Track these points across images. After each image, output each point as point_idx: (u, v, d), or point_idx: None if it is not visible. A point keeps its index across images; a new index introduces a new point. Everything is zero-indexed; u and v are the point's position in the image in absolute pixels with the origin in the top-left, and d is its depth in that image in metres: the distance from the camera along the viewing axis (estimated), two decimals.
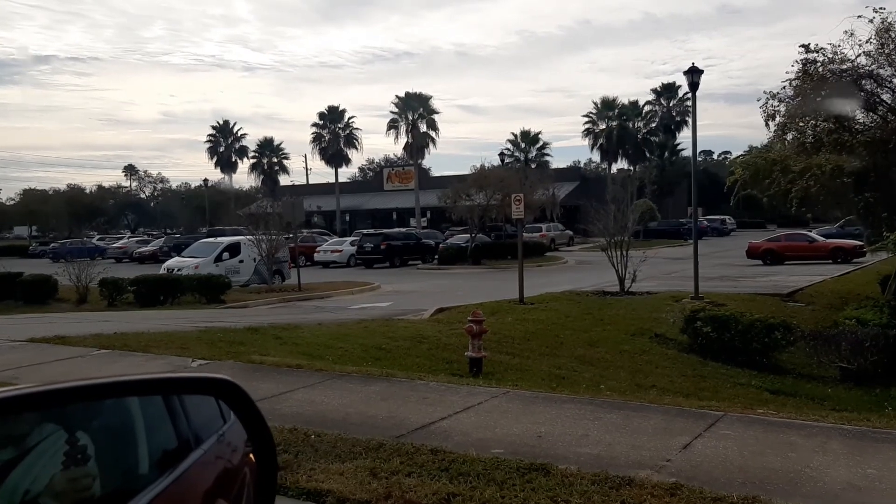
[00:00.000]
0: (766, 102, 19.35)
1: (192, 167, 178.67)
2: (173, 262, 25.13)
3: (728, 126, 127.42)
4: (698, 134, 70.15)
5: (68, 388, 1.58)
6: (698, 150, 71.11)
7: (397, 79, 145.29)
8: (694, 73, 17.68)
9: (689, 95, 64.18)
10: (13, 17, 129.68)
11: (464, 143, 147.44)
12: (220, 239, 26.51)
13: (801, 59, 18.50)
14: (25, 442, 1.41)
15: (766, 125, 19.83)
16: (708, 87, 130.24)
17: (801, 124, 18.90)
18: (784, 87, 19.41)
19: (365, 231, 40.30)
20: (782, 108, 19.63)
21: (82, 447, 1.48)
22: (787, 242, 32.48)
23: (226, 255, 24.60)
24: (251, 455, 2.00)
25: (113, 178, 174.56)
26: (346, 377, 7.14)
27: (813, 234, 33.25)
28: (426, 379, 7.13)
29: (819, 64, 18.40)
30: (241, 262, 24.70)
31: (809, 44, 18.24)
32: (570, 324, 15.36)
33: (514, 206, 18.06)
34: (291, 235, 24.00)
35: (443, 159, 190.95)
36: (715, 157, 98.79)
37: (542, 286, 20.45)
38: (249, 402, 1.96)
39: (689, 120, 67.67)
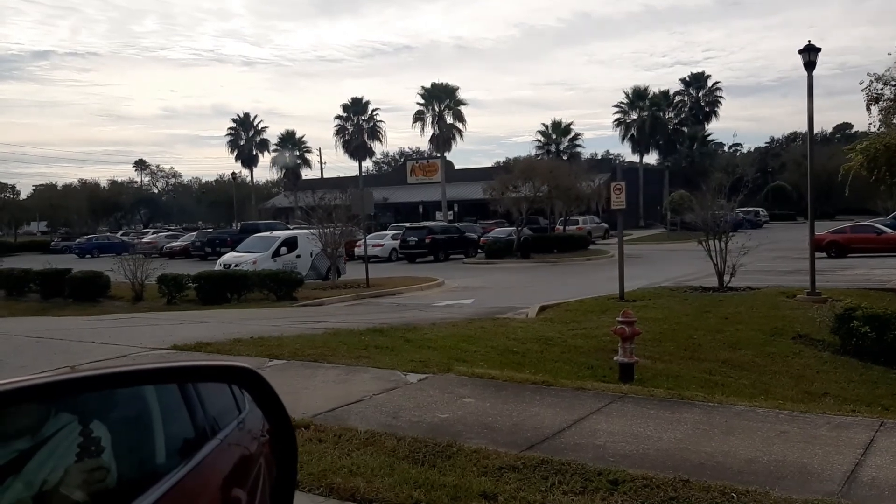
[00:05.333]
0: (870, 85, 18.23)
1: (193, 162, 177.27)
2: (229, 257, 23.88)
3: (733, 119, 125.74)
4: (699, 128, 68.65)
5: (83, 378, 1.54)
6: (711, 143, 70.08)
7: (398, 73, 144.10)
8: (811, 52, 16.32)
9: (719, 85, 62.55)
10: (5, 12, 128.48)
11: (465, 137, 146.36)
12: (276, 233, 25.26)
13: None
14: (41, 432, 1.35)
15: (868, 109, 18.68)
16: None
17: None
18: (889, 69, 18.33)
19: (409, 224, 39.02)
20: (887, 91, 18.54)
21: (96, 438, 1.44)
22: (853, 234, 31.14)
23: (283, 249, 23.38)
24: (267, 445, 1.99)
25: (115, 173, 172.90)
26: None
27: (880, 226, 31.90)
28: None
29: None
30: (297, 256, 23.50)
31: None
32: (693, 323, 14.12)
33: (613, 195, 16.89)
34: (360, 227, 22.80)
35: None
36: (726, 149, 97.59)
37: (612, 281, 19.00)
38: (270, 391, 1.95)
39: (718, 111, 66.88)
